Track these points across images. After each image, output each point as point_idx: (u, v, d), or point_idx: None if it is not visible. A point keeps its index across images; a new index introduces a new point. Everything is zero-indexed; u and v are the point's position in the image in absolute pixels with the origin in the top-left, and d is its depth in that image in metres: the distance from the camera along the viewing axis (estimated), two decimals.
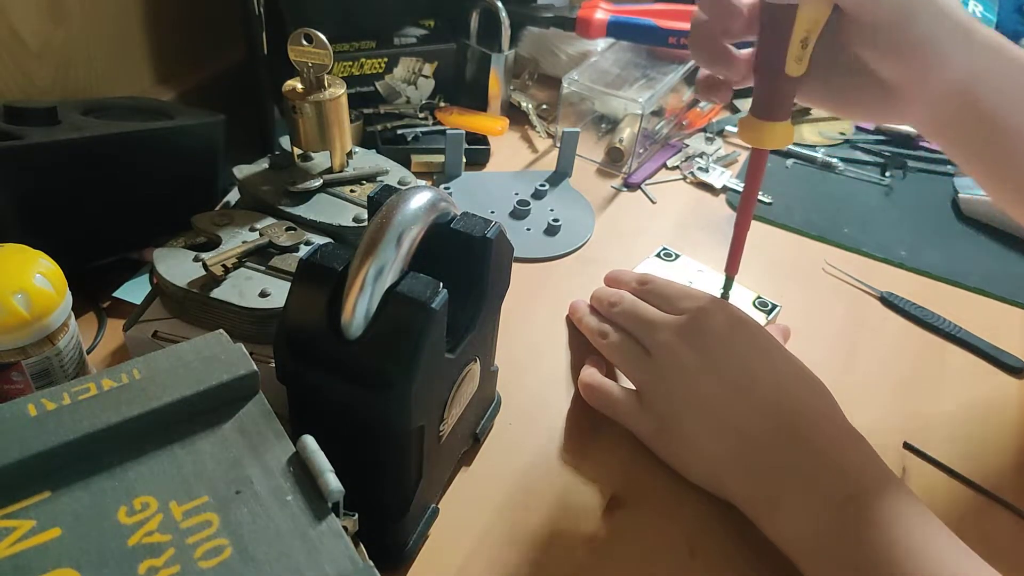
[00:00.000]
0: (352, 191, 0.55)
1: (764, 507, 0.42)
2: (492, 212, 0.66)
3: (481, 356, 0.43)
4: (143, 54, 0.66)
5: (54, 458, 0.30)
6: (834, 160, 0.76)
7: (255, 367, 0.34)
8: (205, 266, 0.46)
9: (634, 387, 0.49)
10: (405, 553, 0.41)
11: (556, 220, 0.65)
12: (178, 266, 0.47)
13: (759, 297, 0.59)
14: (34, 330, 0.39)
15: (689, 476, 0.46)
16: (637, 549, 0.43)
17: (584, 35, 0.77)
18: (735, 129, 0.81)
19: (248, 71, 0.67)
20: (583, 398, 0.51)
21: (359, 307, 0.34)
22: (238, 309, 0.45)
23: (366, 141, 0.72)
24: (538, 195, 0.69)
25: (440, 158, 0.70)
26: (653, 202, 0.71)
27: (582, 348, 0.55)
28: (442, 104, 0.77)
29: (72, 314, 0.42)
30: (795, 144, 0.79)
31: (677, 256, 0.63)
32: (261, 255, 0.49)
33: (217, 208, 0.59)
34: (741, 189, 0.72)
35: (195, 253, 0.48)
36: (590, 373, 0.51)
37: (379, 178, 0.57)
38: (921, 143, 0.80)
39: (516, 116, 0.80)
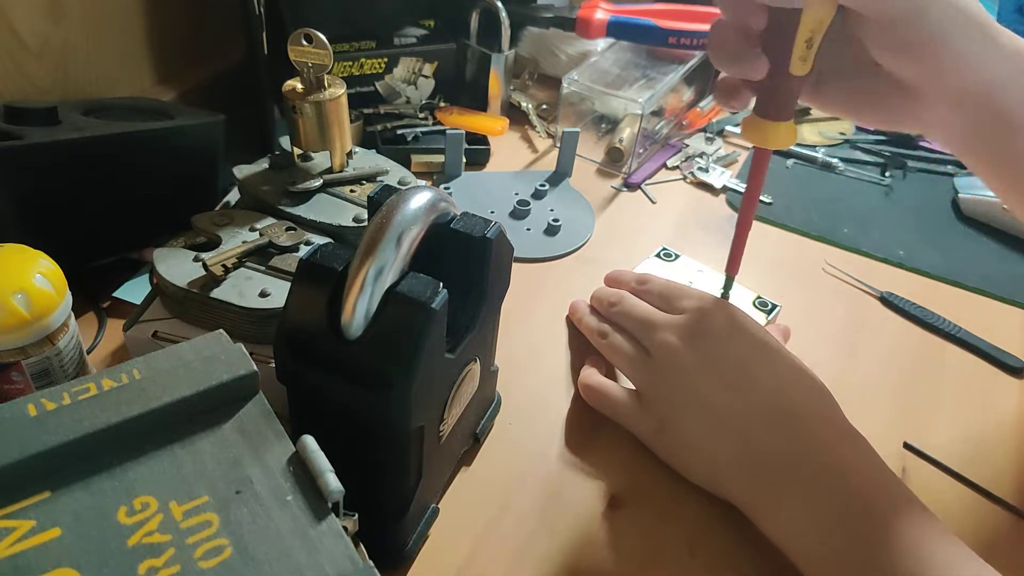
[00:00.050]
0: (352, 191, 0.55)
1: (764, 507, 0.42)
2: (492, 212, 0.66)
3: (481, 356, 0.43)
4: (143, 54, 0.66)
5: (54, 458, 0.30)
6: (834, 160, 0.77)
7: (255, 367, 0.34)
8: (205, 266, 0.46)
9: (634, 387, 0.49)
10: (405, 553, 0.41)
11: (556, 220, 0.65)
12: (178, 266, 0.47)
13: (759, 297, 0.59)
14: (34, 330, 0.39)
15: (689, 476, 0.46)
16: (637, 549, 0.43)
17: (584, 35, 0.77)
18: (735, 129, 0.81)
19: (248, 71, 0.67)
20: (583, 398, 0.51)
21: (359, 307, 0.34)
22: (238, 309, 0.45)
23: (366, 141, 0.72)
24: (538, 195, 0.69)
25: (440, 158, 0.70)
26: (653, 202, 0.71)
27: (582, 348, 0.55)
28: (442, 104, 0.77)
29: (72, 314, 0.42)
30: (795, 144, 0.79)
31: (677, 256, 0.63)
32: (261, 255, 0.49)
33: (217, 208, 0.59)
34: (741, 189, 0.72)
35: (195, 253, 0.48)
36: (590, 373, 0.51)
37: (379, 178, 0.57)
38: (921, 143, 0.80)
39: (516, 116, 0.80)
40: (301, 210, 0.52)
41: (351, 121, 0.64)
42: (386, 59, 0.73)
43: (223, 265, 0.46)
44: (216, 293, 0.45)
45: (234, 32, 0.69)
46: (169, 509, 0.29)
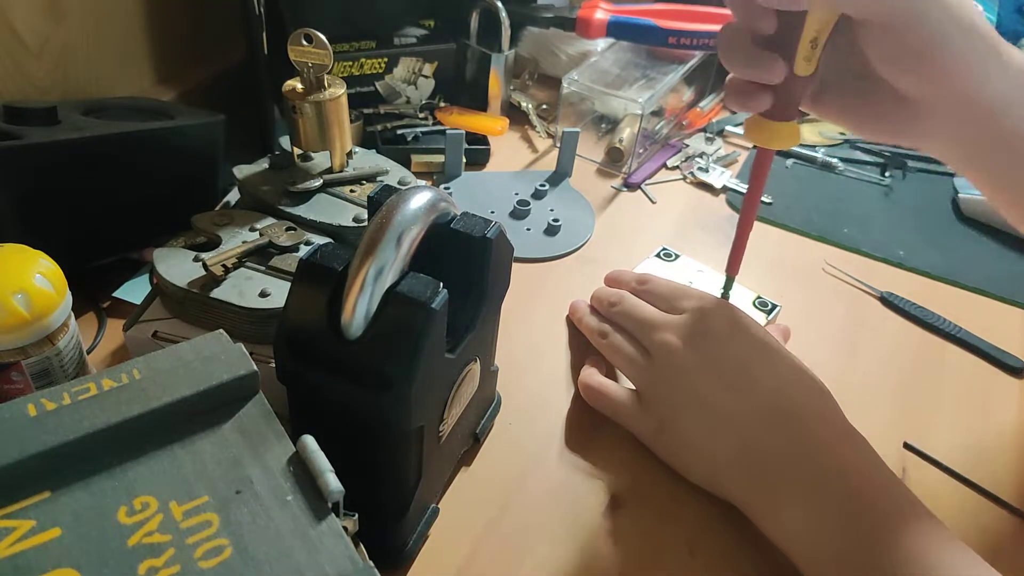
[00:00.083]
0: (352, 191, 0.55)
1: (764, 507, 0.42)
2: (492, 212, 0.66)
3: (481, 356, 0.43)
4: (143, 54, 0.66)
5: (54, 458, 0.30)
6: (834, 160, 0.77)
7: (255, 367, 0.34)
8: (205, 266, 0.46)
9: (634, 387, 0.49)
10: (405, 553, 0.41)
11: (556, 220, 0.65)
12: (178, 266, 0.47)
13: (759, 297, 0.59)
14: (34, 330, 0.39)
15: (689, 476, 0.46)
16: (637, 549, 0.43)
17: (584, 35, 0.77)
18: (735, 129, 0.81)
19: (248, 71, 0.67)
20: (583, 398, 0.51)
21: (359, 307, 0.34)
22: (238, 309, 0.45)
23: (366, 141, 0.72)
24: (538, 195, 0.69)
25: (440, 158, 0.70)
26: (653, 202, 0.71)
27: (582, 348, 0.55)
28: (442, 104, 0.77)
29: (72, 314, 0.42)
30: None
31: (677, 256, 0.63)
32: (261, 255, 0.49)
33: (217, 208, 0.59)
34: (741, 189, 0.72)
35: (195, 253, 0.48)
36: (590, 373, 0.51)
37: (379, 178, 0.57)
38: None
39: (516, 116, 0.80)
40: (301, 210, 0.52)
41: (351, 121, 0.64)
42: (386, 59, 0.73)
43: (223, 265, 0.46)
44: (216, 293, 0.45)
45: (234, 32, 0.69)
46: (169, 509, 0.29)
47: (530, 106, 0.80)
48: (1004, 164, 0.42)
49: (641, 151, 0.75)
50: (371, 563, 0.29)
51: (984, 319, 0.60)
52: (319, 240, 0.50)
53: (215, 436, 0.32)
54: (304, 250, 0.41)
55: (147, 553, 0.28)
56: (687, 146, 0.78)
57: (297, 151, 0.56)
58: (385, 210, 0.35)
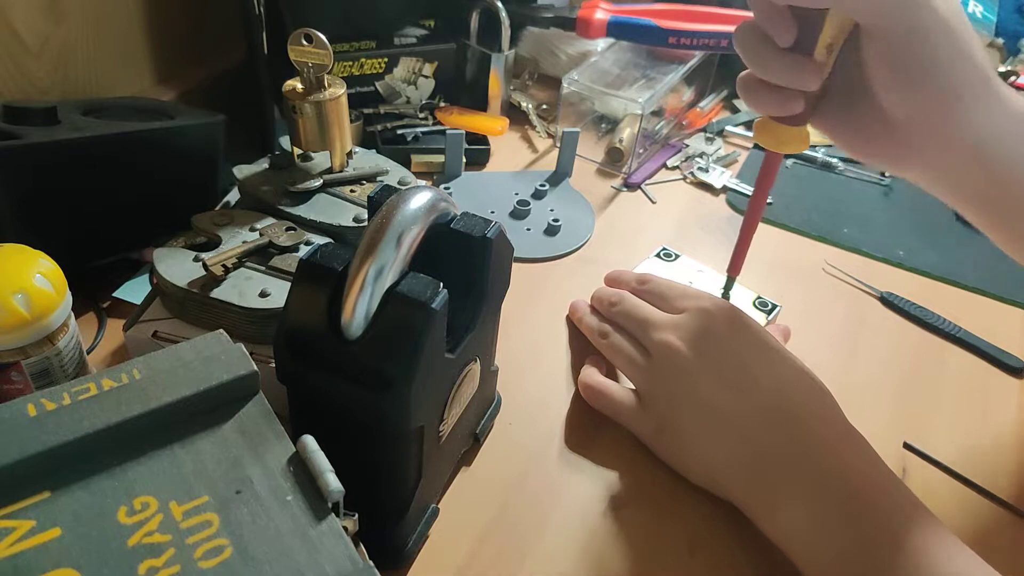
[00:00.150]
0: (352, 191, 0.55)
1: (764, 507, 0.42)
2: (492, 212, 0.66)
3: (481, 356, 0.43)
4: (143, 54, 0.66)
5: (54, 458, 0.30)
6: (834, 160, 0.77)
7: (255, 367, 0.34)
8: (205, 266, 0.46)
9: (634, 387, 0.49)
10: (405, 553, 0.41)
11: (556, 220, 0.65)
12: (178, 266, 0.47)
13: (759, 297, 0.59)
14: (34, 330, 0.39)
15: (689, 476, 0.46)
16: (637, 549, 0.43)
17: (584, 35, 0.77)
18: (735, 129, 0.81)
19: (248, 71, 0.67)
20: (583, 398, 0.51)
21: (359, 307, 0.34)
22: (238, 309, 0.45)
23: (366, 141, 0.72)
24: (538, 195, 0.69)
25: (440, 158, 0.70)
26: (653, 202, 0.71)
27: (582, 348, 0.55)
28: (442, 104, 0.77)
29: (72, 314, 0.42)
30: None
31: (677, 256, 0.63)
32: (261, 255, 0.49)
33: (217, 208, 0.59)
34: (741, 189, 0.72)
35: (195, 253, 0.48)
36: (590, 373, 0.51)
37: (379, 178, 0.57)
38: None
39: (516, 116, 0.80)
40: (301, 210, 0.52)
41: (351, 121, 0.64)
42: (386, 59, 0.73)
43: (223, 265, 0.46)
44: (216, 293, 0.45)
45: (234, 32, 0.69)
46: (169, 509, 0.29)
47: (530, 106, 0.80)
48: (989, 201, 0.42)
49: (641, 151, 0.75)
50: (371, 563, 0.29)
51: (984, 319, 0.60)
52: (319, 240, 0.50)
53: (215, 436, 0.32)
54: (304, 250, 0.41)
55: (147, 553, 0.28)
56: (687, 146, 0.78)
57: (297, 151, 0.56)
58: (385, 210, 0.35)
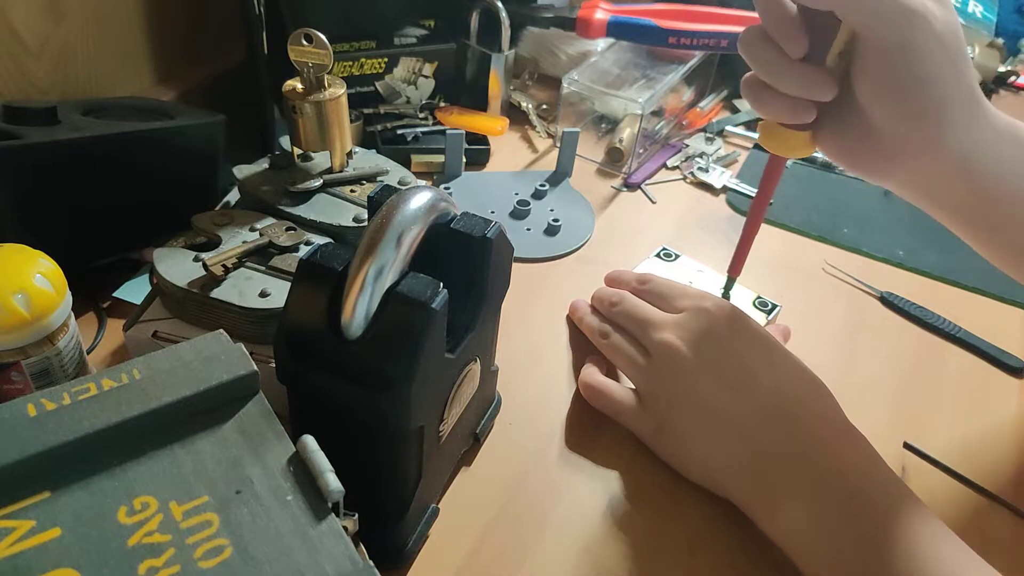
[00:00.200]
0: (352, 191, 0.55)
1: (764, 507, 0.42)
2: (492, 212, 0.66)
3: (481, 356, 0.43)
4: (143, 54, 0.66)
5: (54, 458, 0.30)
6: None
7: (255, 367, 0.34)
8: (205, 266, 0.46)
9: (634, 387, 0.49)
10: (405, 553, 0.41)
11: (556, 220, 0.65)
12: (178, 266, 0.47)
13: (759, 297, 0.59)
14: (34, 330, 0.39)
15: (689, 476, 0.46)
16: (637, 548, 0.43)
17: (584, 35, 0.77)
18: (735, 129, 0.81)
19: (248, 71, 0.67)
20: (583, 398, 0.51)
21: (359, 307, 0.34)
22: (238, 309, 0.45)
23: (366, 141, 0.72)
24: (538, 195, 0.69)
25: (440, 158, 0.70)
26: (653, 202, 0.71)
27: (582, 348, 0.55)
28: (442, 104, 0.77)
29: (72, 314, 0.42)
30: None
31: (677, 256, 0.63)
32: (261, 255, 0.49)
33: (217, 208, 0.59)
34: (741, 189, 0.72)
35: (195, 253, 0.48)
36: (590, 373, 0.51)
37: (379, 178, 0.57)
38: None
39: (516, 116, 0.80)
40: (301, 210, 0.52)
41: (351, 121, 0.64)
42: (386, 59, 0.73)
43: (223, 265, 0.46)
44: (216, 293, 0.45)
45: (234, 32, 0.69)
46: (169, 509, 0.29)
47: (530, 106, 0.80)
48: (976, 217, 0.42)
49: (641, 151, 0.75)
50: (371, 563, 0.29)
51: (984, 319, 0.60)
52: (319, 240, 0.50)
53: (215, 436, 0.32)
54: (304, 250, 0.41)
55: (147, 553, 0.28)
56: (687, 146, 0.78)
57: (297, 151, 0.56)
58: (385, 210, 0.35)
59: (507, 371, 0.50)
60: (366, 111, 0.73)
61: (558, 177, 0.71)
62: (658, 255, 0.63)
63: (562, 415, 0.51)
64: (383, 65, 0.73)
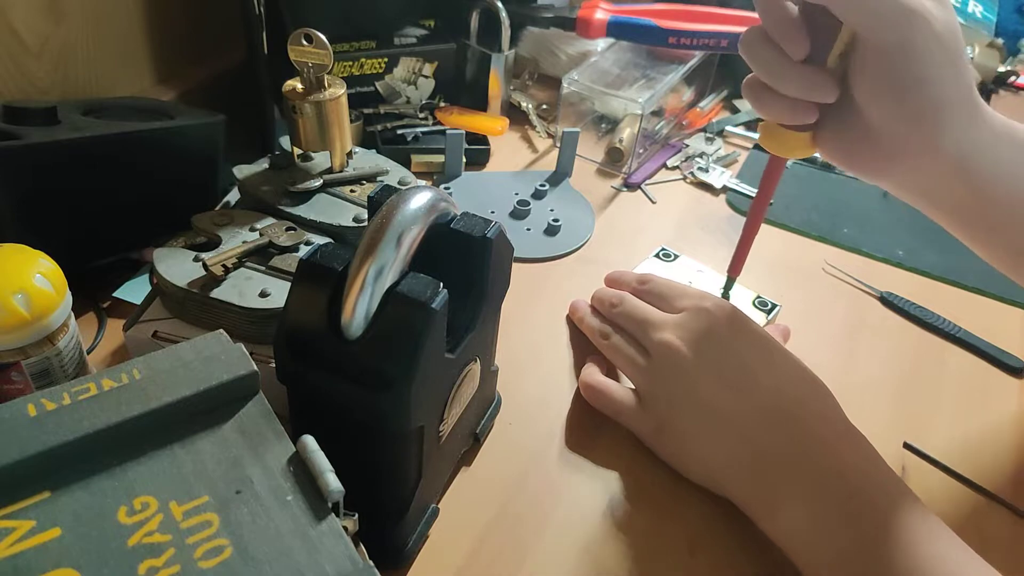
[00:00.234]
0: (352, 191, 0.55)
1: (764, 507, 0.42)
2: (492, 212, 0.66)
3: (481, 356, 0.43)
4: (143, 54, 0.66)
5: (54, 458, 0.30)
6: None
7: (255, 367, 0.34)
8: (205, 266, 0.46)
9: (634, 387, 0.49)
10: (405, 553, 0.41)
11: (556, 220, 0.65)
12: (178, 266, 0.47)
13: (759, 297, 0.59)
14: (34, 330, 0.39)
15: (689, 476, 0.46)
16: (637, 548, 0.43)
17: (584, 35, 0.77)
18: (735, 129, 0.81)
19: (248, 71, 0.67)
20: (583, 398, 0.51)
21: (359, 307, 0.34)
22: (238, 309, 0.45)
23: (366, 141, 0.72)
24: (538, 195, 0.69)
25: (440, 158, 0.70)
26: (653, 202, 0.71)
27: (582, 348, 0.55)
28: (442, 104, 0.77)
29: (72, 314, 0.42)
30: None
31: (677, 256, 0.63)
32: (261, 255, 0.49)
33: (217, 208, 0.59)
34: (741, 189, 0.72)
35: (195, 253, 0.48)
36: (590, 372, 0.51)
37: (379, 178, 0.57)
38: None
39: (516, 116, 0.80)
40: (301, 210, 0.52)
41: (351, 121, 0.64)
42: (386, 59, 0.73)
43: (223, 265, 0.46)
44: (216, 293, 0.45)
45: (234, 32, 0.69)
46: (169, 509, 0.29)
47: (530, 106, 0.80)
48: (973, 219, 0.43)
49: (641, 151, 0.75)
50: (371, 563, 0.29)
51: (984, 319, 0.60)
52: (319, 240, 0.50)
53: (215, 436, 0.32)
54: (304, 250, 0.41)
55: (147, 553, 0.28)
56: (687, 146, 0.78)
57: (297, 151, 0.56)
58: (385, 210, 0.35)
59: (507, 371, 0.50)
60: (366, 111, 0.73)
61: (558, 177, 0.71)
62: (658, 255, 0.63)
63: (562, 415, 0.51)
64: (383, 65, 0.73)
